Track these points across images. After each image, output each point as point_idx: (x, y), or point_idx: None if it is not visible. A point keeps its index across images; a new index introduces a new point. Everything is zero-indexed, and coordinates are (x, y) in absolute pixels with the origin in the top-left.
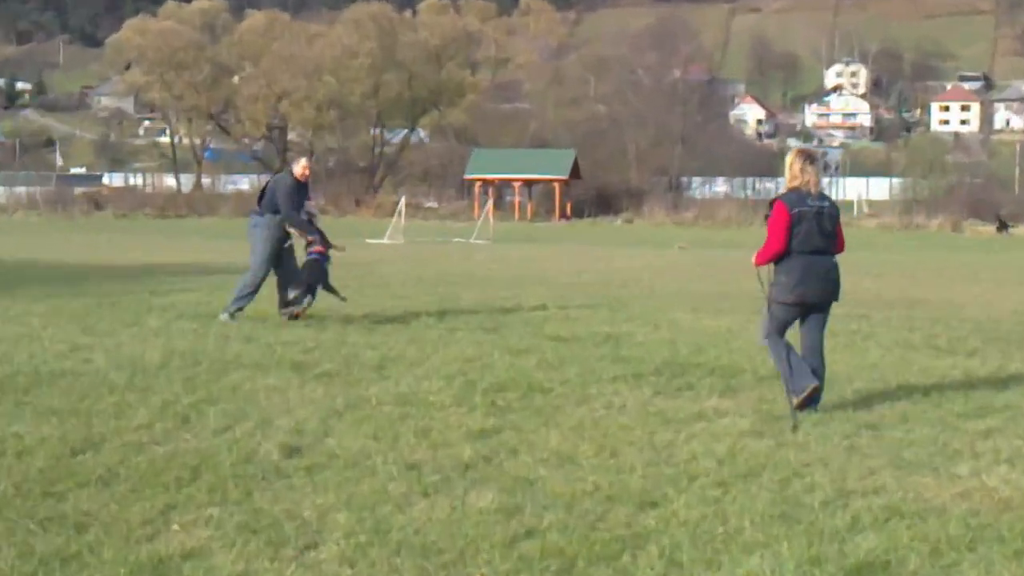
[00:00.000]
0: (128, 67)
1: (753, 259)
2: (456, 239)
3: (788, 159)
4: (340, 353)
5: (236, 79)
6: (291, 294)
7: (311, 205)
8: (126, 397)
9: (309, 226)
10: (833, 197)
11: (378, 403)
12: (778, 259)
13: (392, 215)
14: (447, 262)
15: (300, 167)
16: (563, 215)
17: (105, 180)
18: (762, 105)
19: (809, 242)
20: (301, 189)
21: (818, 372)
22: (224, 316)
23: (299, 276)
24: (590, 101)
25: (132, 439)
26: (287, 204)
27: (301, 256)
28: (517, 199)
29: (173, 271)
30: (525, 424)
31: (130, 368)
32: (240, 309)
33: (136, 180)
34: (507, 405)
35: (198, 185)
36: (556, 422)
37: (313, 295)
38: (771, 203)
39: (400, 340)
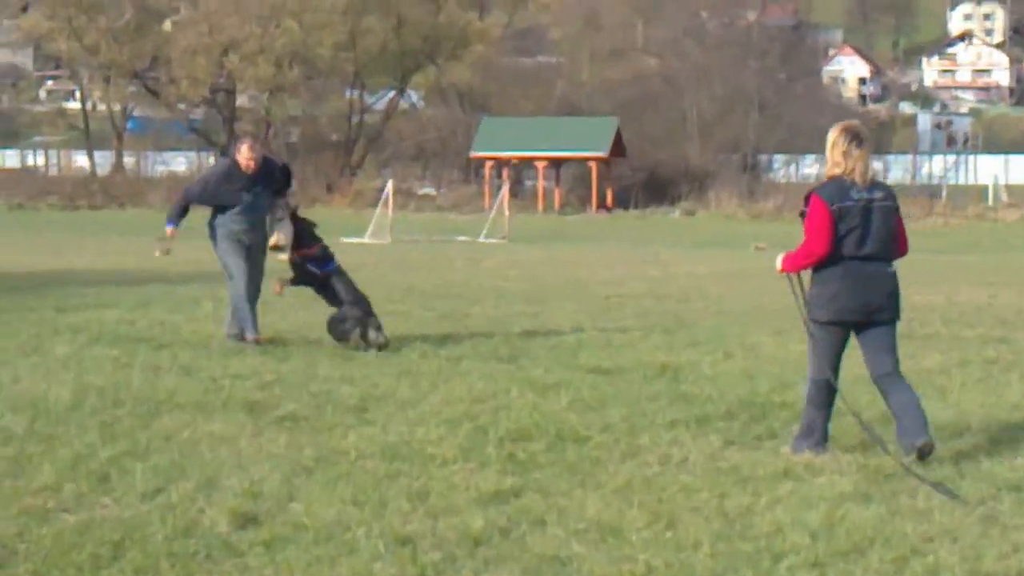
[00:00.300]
0: (24, 9)
1: (778, 263)
2: (461, 237)
3: (830, 138)
4: (308, 390)
5: (168, 25)
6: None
7: (285, 202)
8: (25, 449)
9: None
10: (962, 180)
11: (359, 456)
12: (817, 266)
13: (375, 206)
14: (449, 268)
15: (243, 156)
16: (602, 205)
17: None
18: (866, 58)
19: (854, 245)
20: (244, 180)
21: (911, 411)
22: (229, 339)
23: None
24: (637, 53)
25: (33, 504)
26: (193, 187)
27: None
28: (541, 184)
29: (86, 280)
30: (554, 484)
31: (30, 411)
32: (244, 329)
33: (36, 159)
34: (530, 459)
35: (118, 166)
36: (595, 482)
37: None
38: (806, 197)
39: (387, 372)
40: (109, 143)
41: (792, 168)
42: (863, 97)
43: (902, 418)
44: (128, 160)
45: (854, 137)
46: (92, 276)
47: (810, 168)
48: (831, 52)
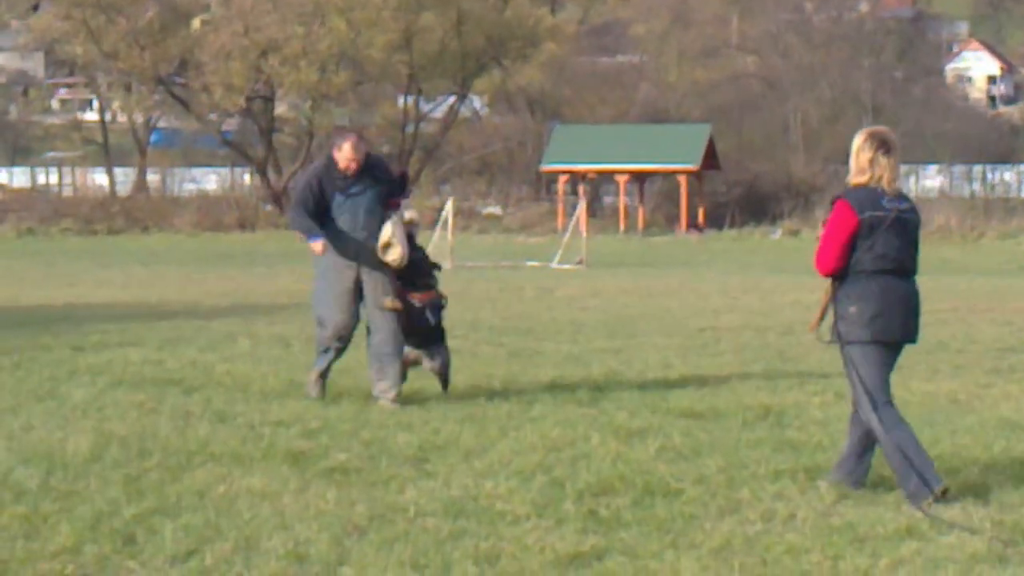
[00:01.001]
0: (35, 8)
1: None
2: (531, 262)
3: (855, 143)
4: (359, 438)
5: (197, 24)
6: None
7: (406, 210)
8: (40, 507)
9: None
10: None
11: (418, 514)
12: (843, 281)
13: (433, 227)
14: (518, 298)
15: (344, 155)
16: (692, 225)
17: (2, 178)
18: (995, 54)
19: (889, 258)
20: (340, 181)
21: (867, 445)
22: (311, 385)
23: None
24: (732, 52)
25: (50, 570)
26: (296, 199)
27: None
28: (623, 201)
29: (106, 315)
30: (642, 545)
31: (45, 463)
32: (323, 372)
33: (49, 178)
34: (614, 516)
35: (141, 185)
36: (689, 542)
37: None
38: (832, 202)
39: (449, 418)
40: (131, 159)
41: (911, 180)
42: (992, 98)
43: (860, 460)
44: (152, 178)
45: (882, 143)
46: (113, 310)
47: (932, 180)
48: (955, 47)
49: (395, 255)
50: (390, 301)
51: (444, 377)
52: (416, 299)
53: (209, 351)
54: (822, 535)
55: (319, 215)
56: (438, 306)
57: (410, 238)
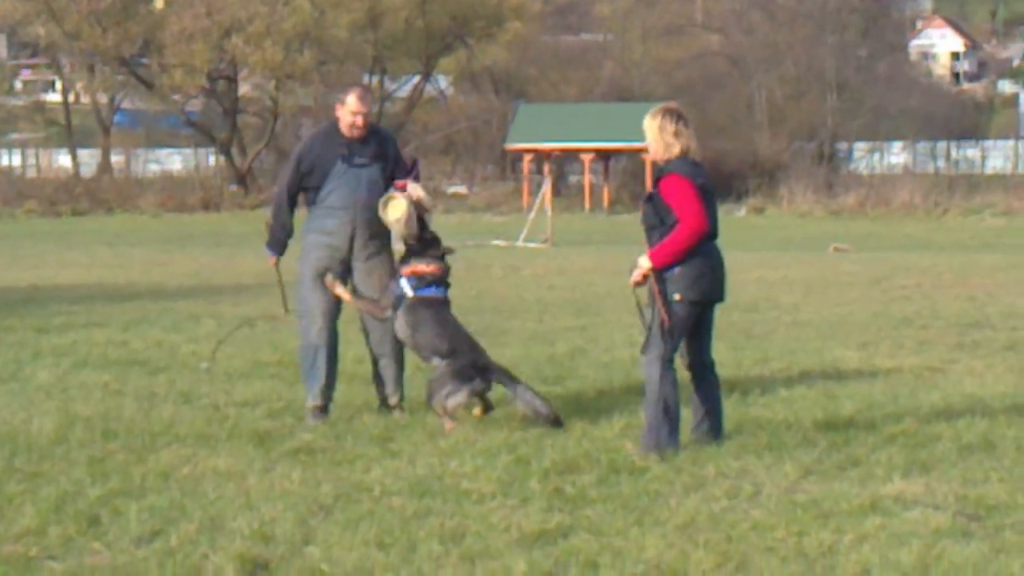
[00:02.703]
0: None
1: (645, 262)
2: (496, 241)
3: (653, 124)
4: (325, 418)
5: (159, 4)
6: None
7: (412, 187)
8: (4, 489)
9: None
10: None
11: (383, 493)
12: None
13: None
14: (484, 277)
15: (348, 108)
16: None
17: None
18: (959, 31)
19: (712, 224)
20: (344, 145)
21: (714, 398)
22: (310, 416)
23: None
24: (697, 30)
25: (14, 552)
26: (281, 180)
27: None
28: (588, 179)
29: (70, 296)
30: (607, 522)
31: (9, 445)
32: (320, 394)
33: (12, 159)
34: (579, 494)
35: (105, 166)
36: (655, 519)
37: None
38: (657, 179)
39: (415, 397)
40: (94, 140)
41: (876, 157)
42: (956, 75)
43: (713, 413)
44: (116, 159)
45: (679, 116)
46: (78, 292)
47: (897, 157)
48: (919, 24)
49: (398, 211)
50: (330, 280)
51: (428, 404)
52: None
53: (174, 332)
54: (787, 511)
55: (303, 189)
56: (419, 276)
57: (420, 220)
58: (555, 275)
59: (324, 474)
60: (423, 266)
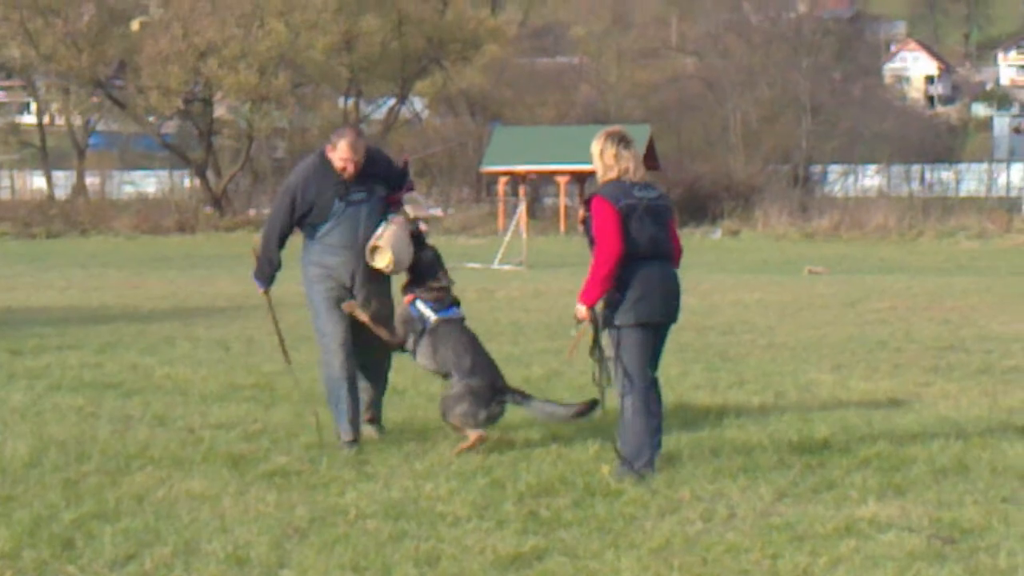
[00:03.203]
0: None
1: (579, 308)
2: (471, 264)
3: (595, 147)
4: (300, 441)
5: (135, 26)
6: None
7: (409, 205)
8: None
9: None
10: None
11: (359, 516)
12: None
13: None
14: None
15: (340, 155)
16: None
17: None
18: (933, 54)
19: (644, 244)
20: (338, 184)
21: (659, 418)
22: (344, 447)
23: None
24: (672, 53)
25: None
26: (273, 212)
27: None
28: (563, 202)
29: (44, 319)
30: (582, 545)
31: None
32: (350, 428)
33: None
34: (554, 517)
35: (80, 187)
36: (629, 542)
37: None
38: (586, 203)
39: (390, 420)
40: (69, 162)
41: (850, 180)
42: (931, 98)
43: (655, 430)
44: (91, 181)
45: (621, 139)
46: (52, 314)
47: (871, 179)
48: (893, 47)
49: (383, 261)
50: (350, 304)
51: (444, 419)
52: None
53: (148, 354)
54: (761, 534)
55: (299, 224)
56: (442, 300)
57: (418, 237)
58: (530, 298)
59: (299, 497)
60: (434, 290)
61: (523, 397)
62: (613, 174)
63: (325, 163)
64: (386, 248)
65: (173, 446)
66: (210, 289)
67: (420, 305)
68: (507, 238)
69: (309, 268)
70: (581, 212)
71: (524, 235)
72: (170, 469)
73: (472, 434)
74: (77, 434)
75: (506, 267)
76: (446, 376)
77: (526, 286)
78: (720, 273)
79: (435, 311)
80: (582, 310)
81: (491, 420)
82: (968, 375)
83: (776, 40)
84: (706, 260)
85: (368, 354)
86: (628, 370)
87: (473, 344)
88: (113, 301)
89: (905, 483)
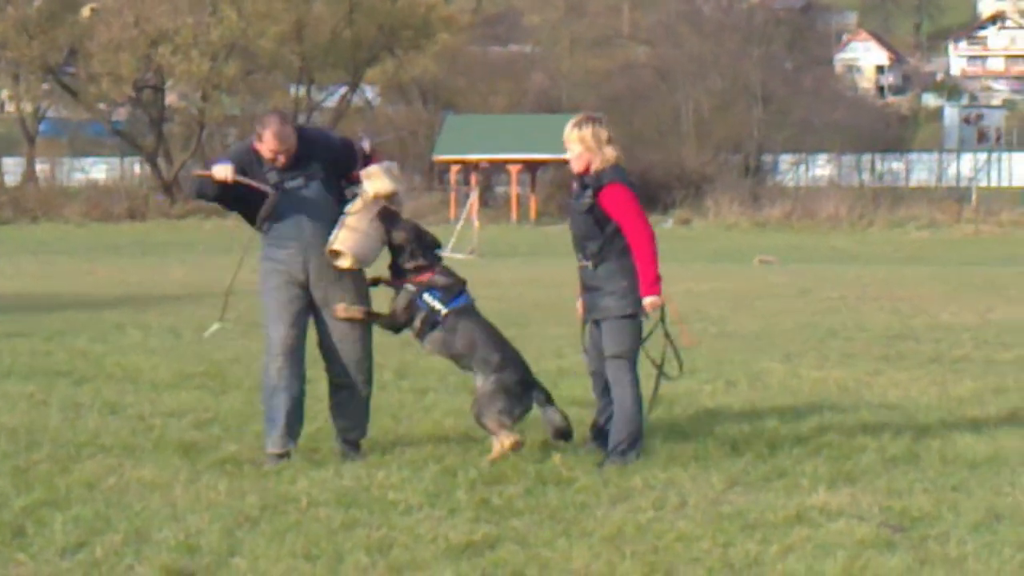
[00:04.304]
0: None
1: (652, 299)
2: None
3: (586, 131)
4: (251, 429)
5: (86, 12)
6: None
7: (371, 182)
8: None
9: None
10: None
11: (310, 504)
12: (608, 258)
13: None
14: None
15: (266, 144)
16: None
17: None
18: (884, 44)
19: None
20: (270, 169)
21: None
22: (268, 461)
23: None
24: (624, 41)
25: None
26: (195, 176)
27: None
28: (515, 190)
29: None
30: (534, 533)
31: None
32: (278, 442)
33: None
34: (506, 505)
35: (30, 174)
36: (581, 530)
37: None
38: (597, 188)
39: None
40: (19, 149)
41: (801, 170)
42: (881, 88)
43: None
44: (41, 168)
45: (604, 123)
46: (1, 301)
47: (822, 169)
48: (845, 38)
49: (346, 263)
50: (343, 308)
51: (479, 421)
52: (414, 281)
53: (99, 342)
54: (713, 522)
55: (242, 204)
56: (450, 288)
57: (390, 215)
58: (482, 286)
59: (250, 485)
60: (432, 277)
61: (545, 400)
62: (612, 159)
63: (252, 153)
64: (345, 252)
65: (124, 434)
66: (161, 276)
67: (428, 298)
68: (459, 227)
69: (263, 262)
70: (588, 201)
71: (476, 224)
72: (121, 457)
73: (506, 440)
74: (27, 422)
75: (458, 256)
76: (464, 367)
77: (478, 275)
78: (672, 263)
79: (444, 303)
80: (656, 300)
81: (522, 417)
82: (918, 364)
83: (728, 30)
84: (658, 249)
85: (357, 353)
86: (632, 354)
87: (496, 335)
88: (63, 289)
89: (856, 471)
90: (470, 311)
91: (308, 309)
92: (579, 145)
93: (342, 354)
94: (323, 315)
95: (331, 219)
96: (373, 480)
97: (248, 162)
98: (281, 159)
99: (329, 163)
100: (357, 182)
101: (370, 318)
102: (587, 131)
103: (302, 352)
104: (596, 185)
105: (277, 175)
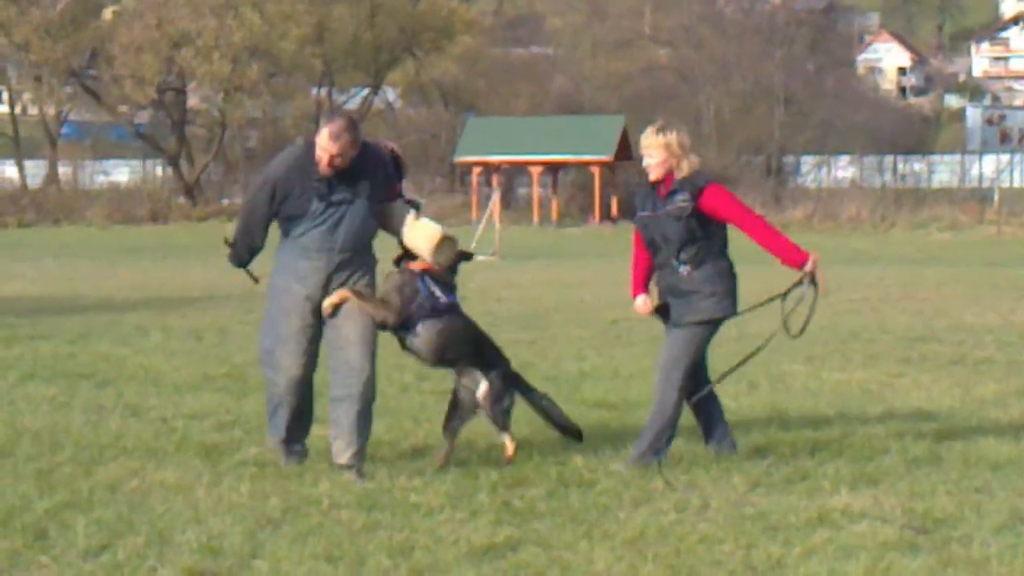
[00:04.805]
0: None
1: (807, 264)
2: None
3: (683, 140)
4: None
5: (108, 15)
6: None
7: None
8: None
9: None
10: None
11: (332, 506)
12: (706, 260)
13: None
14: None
15: (320, 142)
16: (606, 216)
17: None
18: (906, 45)
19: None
20: (319, 180)
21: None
22: (281, 456)
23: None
24: (646, 43)
25: None
26: (244, 206)
27: None
28: (536, 191)
29: (16, 309)
30: (556, 536)
31: None
32: (287, 439)
33: None
34: (528, 507)
35: (52, 177)
36: (603, 532)
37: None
38: (698, 191)
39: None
40: (41, 151)
41: (823, 171)
42: (903, 89)
43: (720, 424)
44: (63, 170)
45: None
46: (24, 304)
47: (844, 171)
48: (867, 39)
49: (428, 234)
50: (329, 297)
51: (496, 421)
52: (415, 267)
53: (121, 344)
54: (735, 524)
55: (273, 220)
56: (440, 281)
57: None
58: (503, 288)
59: (272, 487)
60: (430, 269)
61: (526, 389)
62: (696, 164)
63: (309, 155)
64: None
65: (146, 436)
66: (183, 279)
67: (431, 283)
68: (480, 228)
69: (276, 276)
70: (686, 205)
71: (497, 225)
72: (143, 459)
73: (510, 444)
74: (50, 424)
75: (479, 257)
76: (446, 364)
77: (499, 276)
78: None
79: (445, 293)
80: (815, 255)
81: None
82: (941, 366)
83: (749, 31)
84: None
85: (359, 364)
86: (695, 362)
87: (481, 333)
88: (86, 291)
89: (878, 473)
90: (459, 311)
91: (318, 338)
92: (663, 152)
93: (344, 368)
94: (331, 340)
95: (366, 241)
96: (395, 482)
97: (297, 167)
98: (325, 160)
99: (379, 181)
100: (399, 198)
101: (360, 298)
102: (672, 137)
103: (309, 376)
104: (693, 189)
105: (326, 186)
